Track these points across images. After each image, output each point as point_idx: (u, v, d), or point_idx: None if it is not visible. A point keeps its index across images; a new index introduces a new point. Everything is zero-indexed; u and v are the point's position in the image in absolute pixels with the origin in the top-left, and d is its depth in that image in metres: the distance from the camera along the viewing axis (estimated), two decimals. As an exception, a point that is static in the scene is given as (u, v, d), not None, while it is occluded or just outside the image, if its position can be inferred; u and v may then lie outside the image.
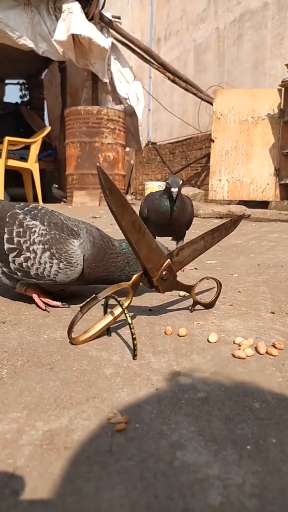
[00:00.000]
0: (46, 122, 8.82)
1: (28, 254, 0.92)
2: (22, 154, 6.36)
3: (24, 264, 0.93)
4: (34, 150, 5.93)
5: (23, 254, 0.93)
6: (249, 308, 1.02)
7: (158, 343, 0.79)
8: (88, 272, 0.97)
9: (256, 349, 0.76)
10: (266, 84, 5.89)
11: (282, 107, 5.39)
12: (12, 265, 0.94)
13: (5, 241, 0.94)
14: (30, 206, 1.02)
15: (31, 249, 0.92)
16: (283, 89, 5.34)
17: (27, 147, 6.09)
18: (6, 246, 0.93)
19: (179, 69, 6.68)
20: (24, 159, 6.15)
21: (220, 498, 0.40)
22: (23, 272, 0.94)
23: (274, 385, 0.63)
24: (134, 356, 0.71)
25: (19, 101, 10.06)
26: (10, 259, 0.93)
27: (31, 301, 1.01)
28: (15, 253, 0.93)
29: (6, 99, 9.84)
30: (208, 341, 0.79)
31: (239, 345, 0.77)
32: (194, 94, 6.38)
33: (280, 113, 5.39)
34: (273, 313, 0.99)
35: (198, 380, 0.64)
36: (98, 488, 0.41)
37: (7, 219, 0.96)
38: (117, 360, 0.71)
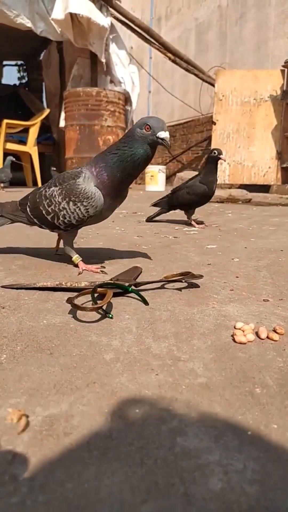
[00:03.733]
0: (45, 104, 8.67)
1: (63, 212, 1.16)
2: (20, 137, 6.28)
3: (66, 220, 1.16)
4: (33, 133, 5.85)
5: (61, 214, 1.16)
6: (250, 293, 1.02)
7: (158, 328, 0.79)
8: (118, 181, 1.14)
9: (257, 334, 0.75)
10: (269, 65, 5.77)
11: (285, 88, 5.29)
12: (61, 226, 1.19)
13: (44, 214, 1.19)
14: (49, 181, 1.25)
15: (61, 207, 1.15)
16: (286, 70, 5.22)
17: (25, 130, 6.00)
18: (48, 217, 1.19)
19: (180, 49, 6.53)
20: (23, 142, 6.07)
21: (220, 483, 0.40)
22: (70, 226, 1.18)
23: (274, 370, 0.63)
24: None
25: (17, 83, 9.88)
26: (56, 223, 1.18)
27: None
28: (56, 216, 1.17)
29: (4, 81, 9.67)
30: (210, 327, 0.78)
31: (241, 330, 0.76)
32: (196, 75, 6.25)
33: (283, 95, 5.29)
34: (267, 300, 0.98)
35: (198, 365, 0.64)
36: (98, 473, 0.40)
37: (37, 199, 1.21)
38: (117, 345, 0.70)
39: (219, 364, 0.64)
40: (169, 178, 7.32)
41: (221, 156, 1.86)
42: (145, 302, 0.91)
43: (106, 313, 0.83)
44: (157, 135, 1.07)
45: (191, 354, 0.68)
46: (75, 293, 0.88)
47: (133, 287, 0.97)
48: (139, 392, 0.55)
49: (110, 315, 0.82)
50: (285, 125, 5.36)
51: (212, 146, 5.69)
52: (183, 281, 1.05)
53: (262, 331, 0.75)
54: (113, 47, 5.87)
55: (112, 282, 0.96)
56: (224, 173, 5.67)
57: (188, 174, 6.24)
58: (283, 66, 5.20)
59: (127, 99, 6.13)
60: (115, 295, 0.95)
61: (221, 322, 0.82)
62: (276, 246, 1.68)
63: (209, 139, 6.33)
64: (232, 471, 0.41)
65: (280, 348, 0.70)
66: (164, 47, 6.05)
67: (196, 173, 6.45)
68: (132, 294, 0.96)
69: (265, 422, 0.50)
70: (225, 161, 2.43)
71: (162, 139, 1.07)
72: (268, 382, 0.59)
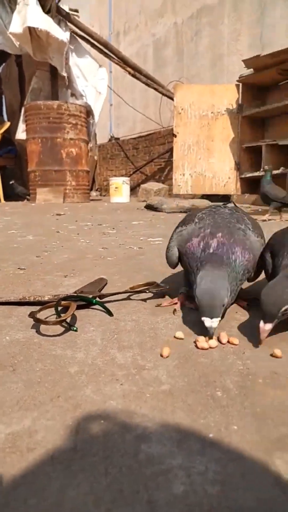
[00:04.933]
0: (5, 117, 8.55)
1: None
2: (-20, 151, 6.14)
3: None
4: (-7, 146, 5.75)
5: None
6: (212, 300, 1.04)
7: (123, 339, 0.79)
8: None
9: (218, 339, 0.78)
10: (224, 80, 6.00)
11: (240, 102, 5.51)
12: None
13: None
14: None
15: None
16: (240, 84, 5.45)
17: (-15, 144, 5.88)
18: None
19: (139, 64, 6.67)
20: (-17, 156, 5.94)
21: (183, 487, 0.41)
22: None
23: (235, 373, 0.65)
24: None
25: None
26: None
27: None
28: None
29: None
30: (175, 337, 0.79)
31: (203, 336, 0.78)
32: (155, 89, 6.39)
33: (238, 108, 5.51)
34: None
35: (162, 373, 0.65)
36: (62, 487, 0.40)
37: None
38: (82, 357, 0.70)
39: (182, 370, 0.66)
40: (133, 189, 7.39)
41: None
42: (110, 313, 0.91)
43: (70, 326, 0.83)
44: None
45: (155, 362, 0.69)
46: (39, 307, 0.87)
47: (97, 299, 0.97)
48: (104, 403, 0.56)
49: (75, 328, 0.82)
50: (242, 138, 5.56)
51: (174, 158, 5.82)
52: (148, 291, 1.06)
53: (223, 336, 0.77)
54: (73, 58, 5.91)
55: (76, 294, 0.96)
56: (186, 183, 5.79)
57: (152, 185, 6.33)
58: (237, 81, 5.42)
59: (88, 112, 6.17)
60: (80, 307, 0.94)
61: (184, 330, 0.83)
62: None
63: (170, 151, 6.47)
64: (194, 473, 0.42)
65: (240, 352, 0.73)
66: (124, 62, 6.16)
67: (159, 184, 6.53)
68: (97, 306, 0.96)
69: (225, 424, 0.51)
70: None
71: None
72: (228, 385, 0.61)
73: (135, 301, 1.03)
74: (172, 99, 5.95)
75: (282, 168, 4.84)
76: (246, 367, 0.67)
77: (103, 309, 0.93)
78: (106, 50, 6.11)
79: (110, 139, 8.98)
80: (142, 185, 6.49)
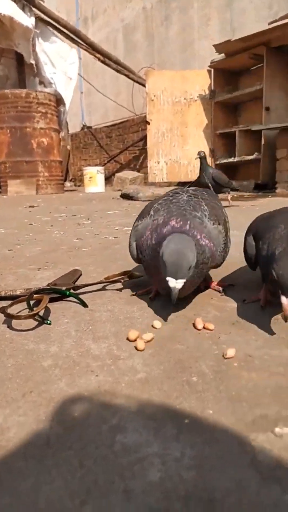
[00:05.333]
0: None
1: None
2: None
3: None
4: None
5: None
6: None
7: (98, 329, 0.78)
8: None
9: (193, 325, 0.78)
10: (195, 65, 5.97)
11: (212, 88, 5.50)
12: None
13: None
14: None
15: None
16: (212, 70, 5.43)
17: None
18: None
19: (109, 49, 6.55)
20: None
21: (159, 474, 0.40)
22: None
23: (210, 357, 0.65)
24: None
25: None
26: None
27: None
28: None
29: None
30: (153, 326, 0.79)
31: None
32: (126, 75, 6.31)
33: (211, 94, 5.50)
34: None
35: (138, 361, 0.65)
36: (36, 483, 0.39)
37: None
38: (56, 350, 0.69)
39: (158, 358, 0.66)
40: (108, 178, 7.32)
41: None
42: (84, 304, 0.90)
43: (43, 320, 0.81)
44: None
45: (131, 352, 0.68)
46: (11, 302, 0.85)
47: (71, 291, 0.95)
48: (79, 395, 0.55)
49: (48, 321, 0.81)
50: (215, 124, 5.57)
51: (148, 146, 5.78)
52: (123, 281, 1.05)
53: (199, 322, 0.78)
54: (41, 45, 5.74)
55: (49, 287, 0.94)
56: (161, 171, 5.78)
57: (127, 174, 6.28)
58: (209, 66, 5.40)
59: (58, 100, 6.03)
60: (54, 300, 0.93)
61: (159, 317, 0.83)
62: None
63: (144, 138, 6.42)
64: (170, 460, 0.42)
65: (216, 337, 0.73)
66: (92, 48, 6.03)
67: (134, 172, 6.48)
68: (72, 298, 0.94)
69: (201, 408, 0.51)
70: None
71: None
72: (204, 370, 0.61)
73: (110, 291, 1.02)
74: (144, 85, 5.88)
75: (256, 153, 4.88)
76: (222, 352, 0.67)
77: (78, 301, 0.91)
78: (74, 36, 5.96)
79: (83, 127, 8.83)
80: (117, 174, 6.44)
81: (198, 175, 3.08)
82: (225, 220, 0.97)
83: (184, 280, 0.76)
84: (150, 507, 0.36)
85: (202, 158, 3.05)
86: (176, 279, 0.75)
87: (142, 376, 0.60)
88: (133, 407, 0.52)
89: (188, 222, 0.85)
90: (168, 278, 0.75)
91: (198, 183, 2.82)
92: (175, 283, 0.75)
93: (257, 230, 0.89)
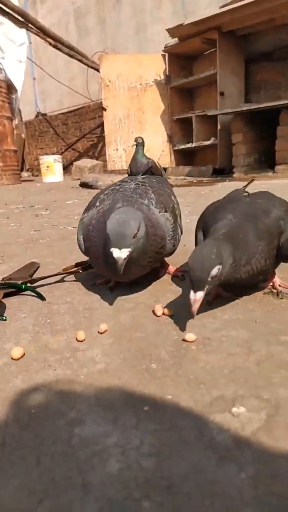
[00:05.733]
0: None
1: None
2: None
3: None
4: None
5: None
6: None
7: (56, 322, 0.77)
8: None
9: (153, 312, 0.78)
10: (149, 50, 5.90)
11: (167, 73, 5.47)
12: None
13: None
14: None
15: None
16: (166, 54, 5.40)
17: None
18: None
19: (61, 34, 6.33)
20: None
21: (118, 464, 0.40)
22: None
23: (170, 343, 0.65)
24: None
25: None
26: None
27: None
28: None
29: None
30: (112, 316, 0.78)
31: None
32: (80, 60, 6.14)
33: (166, 79, 5.48)
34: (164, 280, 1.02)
35: (97, 352, 0.64)
36: (-10, 486, 0.38)
37: None
38: (11, 347, 0.67)
39: (117, 347, 0.65)
40: (67, 167, 7.16)
41: None
42: (42, 297, 0.88)
43: (-2, 316, 0.78)
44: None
45: (90, 343, 0.67)
46: None
47: (28, 284, 0.93)
48: (35, 392, 0.53)
49: (4, 318, 0.78)
50: (172, 109, 5.56)
51: (106, 133, 5.69)
52: (82, 271, 1.03)
53: (158, 308, 0.78)
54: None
55: (4, 282, 0.91)
56: (120, 159, 5.72)
57: (85, 162, 6.17)
58: (163, 51, 5.36)
59: (9, 87, 5.79)
60: (9, 295, 0.90)
61: (119, 306, 0.82)
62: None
63: (102, 125, 6.31)
64: (129, 449, 0.42)
65: (175, 322, 0.73)
66: (43, 32, 5.81)
67: (93, 160, 6.38)
68: (28, 292, 0.92)
69: (160, 395, 0.52)
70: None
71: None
72: (163, 356, 0.61)
73: (69, 283, 1.00)
74: (98, 70, 5.75)
75: (212, 138, 4.93)
76: (181, 336, 0.68)
77: (35, 294, 0.89)
78: (23, 19, 5.71)
79: (37, 115, 8.54)
80: (75, 163, 6.31)
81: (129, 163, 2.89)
82: (173, 207, 0.95)
83: (129, 250, 0.72)
84: (109, 499, 0.36)
85: (139, 145, 2.92)
86: (120, 248, 0.72)
87: (102, 366, 0.59)
88: (92, 399, 0.51)
89: (135, 207, 0.84)
90: (112, 249, 0.72)
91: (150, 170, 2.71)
92: (120, 253, 0.72)
93: (206, 224, 0.86)
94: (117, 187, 0.95)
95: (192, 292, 0.66)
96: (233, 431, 0.45)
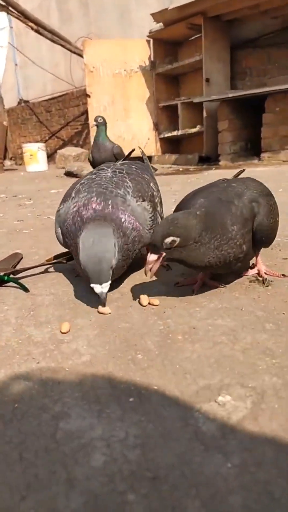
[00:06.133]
0: None
1: None
2: None
3: None
4: None
5: None
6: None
7: (40, 314, 0.75)
8: None
9: (139, 302, 0.77)
10: (134, 35, 5.79)
11: (152, 59, 5.39)
12: None
13: None
14: None
15: None
16: (151, 40, 5.31)
17: None
18: None
19: (42, 18, 6.16)
20: None
21: (103, 457, 0.40)
22: None
23: (155, 333, 0.65)
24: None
25: None
26: None
27: None
28: None
29: None
30: (98, 308, 0.77)
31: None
32: (63, 46, 6.00)
33: (151, 65, 5.39)
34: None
35: (82, 344, 0.63)
36: (-29, 484, 0.37)
37: None
38: (-5, 340, 0.65)
39: (103, 338, 0.64)
40: (51, 156, 7.05)
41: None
42: (25, 289, 0.86)
43: (-19, 308, 0.77)
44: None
45: (74, 334, 0.66)
46: None
47: (11, 276, 0.91)
48: (19, 385, 0.52)
49: (-14, 310, 0.76)
50: (157, 96, 5.50)
51: (90, 120, 5.60)
52: (66, 262, 1.02)
53: (144, 298, 0.77)
54: None
55: (-14, 274, 0.89)
56: (105, 147, 5.64)
57: (70, 151, 6.07)
58: (148, 36, 5.27)
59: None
60: (-8, 287, 0.88)
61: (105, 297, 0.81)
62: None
63: (86, 113, 6.21)
64: (114, 442, 0.42)
65: (161, 312, 0.73)
66: (25, 16, 5.65)
67: (78, 149, 6.28)
68: (11, 283, 0.90)
69: (146, 385, 0.51)
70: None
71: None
72: (149, 347, 0.61)
73: (53, 273, 0.99)
74: (82, 56, 5.63)
75: (198, 126, 4.90)
76: (167, 326, 0.67)
77: (18, 286, 0.87)
78: (3, 2, 5.54)
79: (20, 102, 8.35)
80: (59, 151, 6.21)
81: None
82: (152, 195, 0.92)
83: (109, 283, 0.74)
84: (94, 493, 0.36)
85: (100, 126, 2.45)
86: (101, 284, 0.73)
87: (87, 358, 0.59)
88: (76, 392, 0.51)
89: (110, 203, 0.81)
90: (92, 285, 0.73)
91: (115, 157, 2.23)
92: (101, 289, 0.73)
93: (179, 210, 0.85)
94: (93, 176, 0.92)
95: (149, 254, 0.71)
96: (219, 420, 0.44)
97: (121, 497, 0.35)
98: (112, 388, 0.51)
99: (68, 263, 1.01)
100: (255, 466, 0.38)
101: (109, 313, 0.73)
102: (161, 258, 0.70)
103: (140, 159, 1.20)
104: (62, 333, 0.67)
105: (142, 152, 1.21)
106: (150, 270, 0.70)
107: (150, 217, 0.88)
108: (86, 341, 0.64)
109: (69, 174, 4.28)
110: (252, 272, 0.87)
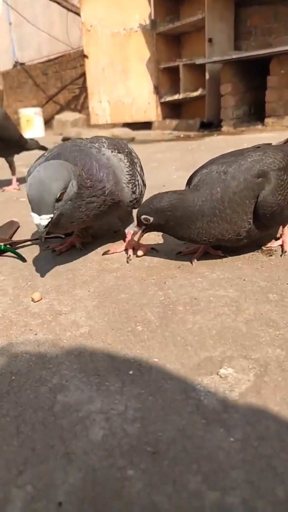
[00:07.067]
0: None
1: None
2: None
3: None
4: None
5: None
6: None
7: (38, 284, 0.74)
8: None
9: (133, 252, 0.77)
10: (134, -9, 5.48)
11: (153, 17, 5.12)
12: None
13: None
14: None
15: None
16: (152, -3, 5.02)
17: None
18: None
19: (37, -29, 5.81)
20: None
21: (102, 431, 0.39)
22: None
23: (156, 304, 0.63)
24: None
25: None
26: None
27: None
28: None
29: None
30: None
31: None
32: (58, 3, 5.69)
33: (151, 24, 5.13)
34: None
35: (81, 315, 0.61)
36: None
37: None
38: (-10, 311, 0.64)
39: (102, 309, 0.63)
40: (48, 122, 6.85)
41: None
42: (22, 259, 0.84)
43: (-23, 278, 0.75)
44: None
45: (73, 305, 0.65)
46: None
47: (8, 245, 0.88)
48: (16, 358, 0.51)
49: (-18, 280, 0.74)
50: (158, 57, 5.26)
51: (88, 83, 5.41)
52: (64, 237, 0.99)
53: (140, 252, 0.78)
54: None
55: (-19, 243, 0.87)
56: (104, 112, 5.47)
57: (67, 116, 5.90)
58: (148, -8, 4.98)
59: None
60: (-12, 256, 0.86)
61: (104, 267, 0.79)
62: (159, 182, 1.69)
63: (84, 75, 5.98)
64: (113, 415, 0.41)
65: (161, 282, 0.71)
66: None
67: (76, 114, 6.10)
68: (9, 253, 0.88)
69: (146, 357, 0.50)
70: None
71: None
72: (150, 318, 0.59)
73: (51, 243, 0.96)
74: (79, 14, 5.35)
75: (200, 89, 4.73)
76: (167, 297, 0.66)
77: (15, 255, 0.85)
78: None
79: (15, 64, 8.03)
80: (56, 116, 6.03)
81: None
82: (130, 153, 0.87)
83: (50, 216, 0.65)
84: (93, 467, 0.35)
85: None
86: (40, 214, 0.65)
87: (85, 330, 0.57)
88: (75, 364, 0.49)
89: (81, 150, 0.76)
90: (31, 214, 0.66)
91: None
92: (39, 220, 0.65)
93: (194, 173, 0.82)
94: (70, 144, 0.84)
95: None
96: (221, 393, 0.43)
97: (120, 472, 0.34)
98: (111, 360, 0.50)
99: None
100: (258, 440, 0.37)
101: (39, 300, 0.67)
102: (140, 231, 0.76)
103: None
104: (34, 301, 0.66)
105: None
106: (135, 239, 0.78)
107: (128, 171, 0.83)
108: (84, 312, 0.62)
109: (66, 140, 4.17)
110: (276, 243, 0.83)
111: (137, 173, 0.87)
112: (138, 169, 0.90)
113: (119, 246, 0.87)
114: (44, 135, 5.93)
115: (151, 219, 0.73)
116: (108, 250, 0.86)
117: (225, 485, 0.33)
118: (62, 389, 0.45)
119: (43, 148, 1.99)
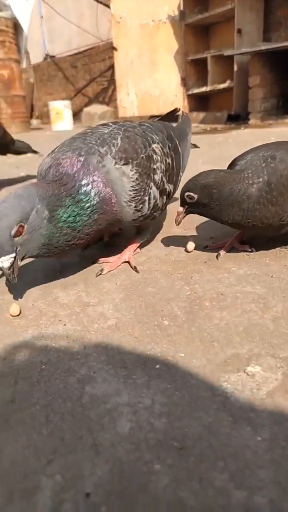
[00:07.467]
0: None
1: None
2: None
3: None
4: None
5: None
6: (161, 222, 1.00)
7: (67, 276, 0.75)
8: None
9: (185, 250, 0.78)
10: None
11: (181, 8, 5.04)
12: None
13: None
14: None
15: None
16: (182, -14, 4.94)
17: None
18: None
19: None
20: None
21: (129, 424, 0.39)
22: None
23: (182, 299, 0.63)
24: None
25: None
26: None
27: None
28: None
29: None
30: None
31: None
32: (88, -5, 5.69)
33: (180, 15, 5.06)
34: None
35: (108, 308, 0.62)
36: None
37: None
38: (21, 301, 0.65)
39: (128, 302, 0.63)
40: (77, 114, 6.90)
41: None
42: None
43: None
44: None
45: (100, 297, 0.66)
46: None
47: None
48: (46, 347, 0.52)
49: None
50: (186, 49, 5.19)
51: (116, 75, 5.40)
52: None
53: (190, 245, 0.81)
54: None
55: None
56: (132, 104, 5.46)
57: (95, 109, 5.92)
58: (178, -18, 4.91)
59: (16, 26, 5.46)
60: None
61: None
62: (185, 175, 1.68)
63: (112, 68, 5.97)
64: (140, 409, 0.41)
65: (188, 277, 0.71)
66: None
67: (104, 106, 6.11)
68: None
69: (172, 352, 0.50)
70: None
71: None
72: (176, 313, 0.59)
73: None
74: (108, 6, 5.34)
75: (228, 81, 4.64)
76: (194, 292, 0.65)
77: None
78: None
79: (45, 57, 8.11)
80: (85, 109, 6.06)
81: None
82: (149, 157, 0.76)
83: (11, 256, 0.59)
84: (120, 460, 0.35)
85: None
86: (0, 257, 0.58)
87: (112, 322, 0.58)
88: (102, 356, 0.50)
89: (79, 159, 0.69)
90: None
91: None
92: (1, 263, 0.59)
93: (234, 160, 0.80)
94: (89, 131, 0.80)
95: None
96: (248, 391, 0.43)
97: (147, 466, 0.34)
98: (138, 353, 0.50)
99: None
100: (286, 441, 0.36)
101: (18, 314, 0.61)
102: (183, 212, 0.76)
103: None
104: (12, 316, 0.61)
105: (183, 113, 1.12)
106: (176, 220, 0.77)
107: (133, 187, 0.72)
108: (112, 305, 0.63)
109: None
110: None
111: (152, 185, 0.76)
112: (157, 177, 0.77)
113: (116, 261, 0.78)
114: (73, 128, 5.98)
115: (196, 196, 0.72)
116: (102, 268, 0.75)
117: (252, 484, 0.33)
118: (90, 381, 0.45)
119: (34, 153, 1.91)
